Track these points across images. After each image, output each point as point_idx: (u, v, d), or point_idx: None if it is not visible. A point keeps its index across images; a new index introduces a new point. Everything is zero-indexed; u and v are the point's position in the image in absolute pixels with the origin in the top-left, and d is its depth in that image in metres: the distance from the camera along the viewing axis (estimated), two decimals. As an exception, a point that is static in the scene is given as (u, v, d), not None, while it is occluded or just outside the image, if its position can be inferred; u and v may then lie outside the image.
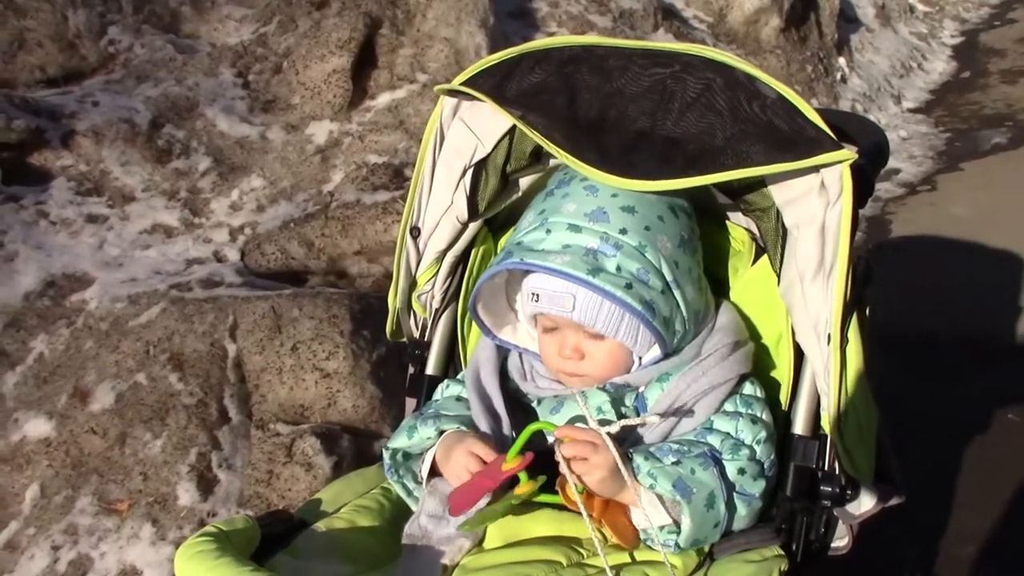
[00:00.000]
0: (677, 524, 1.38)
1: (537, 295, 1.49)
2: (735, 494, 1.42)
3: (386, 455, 1.58)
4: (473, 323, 1.75)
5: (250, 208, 3.65)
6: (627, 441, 1.47)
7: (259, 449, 2.75)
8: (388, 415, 2.87)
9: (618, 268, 1.43)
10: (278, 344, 2.88)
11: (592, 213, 1.46)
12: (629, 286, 1.42)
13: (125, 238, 3.45)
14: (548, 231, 1.47)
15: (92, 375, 2.84)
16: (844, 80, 6.22)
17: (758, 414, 1.50)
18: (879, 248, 4.54)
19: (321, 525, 1.48)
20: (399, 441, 1.56)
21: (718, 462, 1.42)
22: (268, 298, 3.02)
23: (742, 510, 1.43)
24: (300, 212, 3.60)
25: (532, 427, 1.41)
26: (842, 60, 6.35)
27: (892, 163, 5.41)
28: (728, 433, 1.46)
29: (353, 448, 2.78)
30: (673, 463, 1.40)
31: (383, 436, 2.81)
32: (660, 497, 1.38)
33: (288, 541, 1.43)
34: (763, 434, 1.48)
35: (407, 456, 1.58)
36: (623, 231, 1.45)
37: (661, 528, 1.39)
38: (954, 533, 2.75)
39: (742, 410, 1.49)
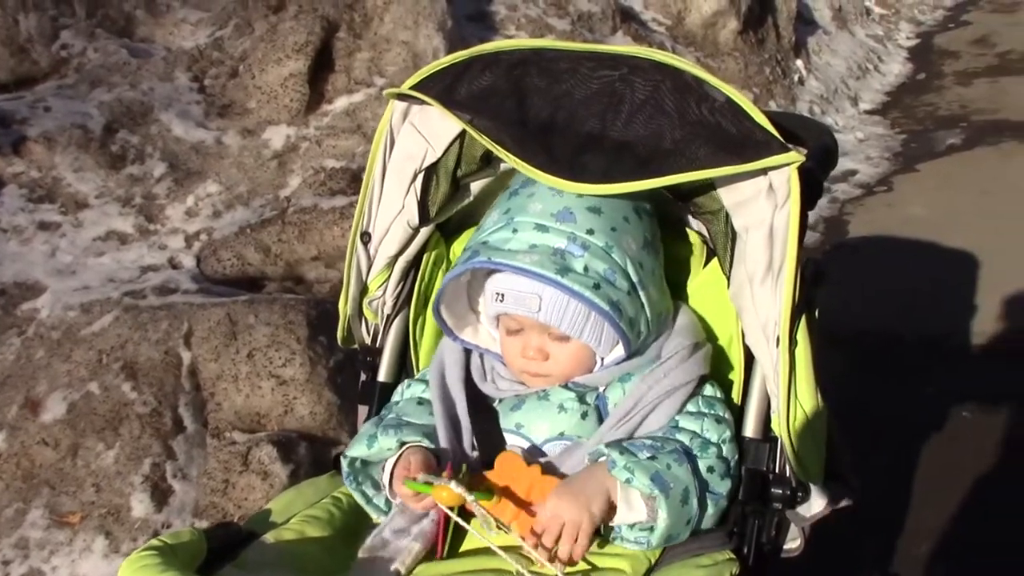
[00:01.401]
0: (651, 521, 1.37)
1: (502, 295, 1.48)
2: (706, 492, 1.42)
3: (344, 463, 1.56)
4: (425, 329, 1.74)
5: (206, 214, 3.61)
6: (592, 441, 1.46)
7: (215, 458, 2.72)
8: (346, 422, 2.85)
9: (586, 268, 1.43)
10: (233, 351, 2.85)
11: (559, 213, 1.46)
12: (597, 286, 1.43)
13: (78, 245, 3.40)
14: (514, 230, 1.47)
15: (43, 385, 2.79)
16: (802, 82, 6.28)
17: (721, 414, 1.51)
18: (837, 249, 4.58)
19: (270, 536, 1.46)
20: (358, 450, 1.54)
21: (691, 458, 1.42)
22: (224, 305, 2.98)
23: (711, 508, 1.43)
24: (257, 218, 3.57)
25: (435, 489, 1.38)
26: (799, 62, 6.41)
27: (849, 164, 5.48)
28: (695, 432, 1.47)
29: (310, 456, 2.76)
30: (649, 458, 1.39)
31: (341, 443, 2.79)
32: (636, 493, 1.37)
33: (236, 553, 1.40)
34: (727, 434, 1.49)
35: (366, 464, 1.56)
36: (590, 231, 1.45)
37: (632, 526, 1.38)
38: (911, 531, 2.77)
39: (705, 410, 1.50)
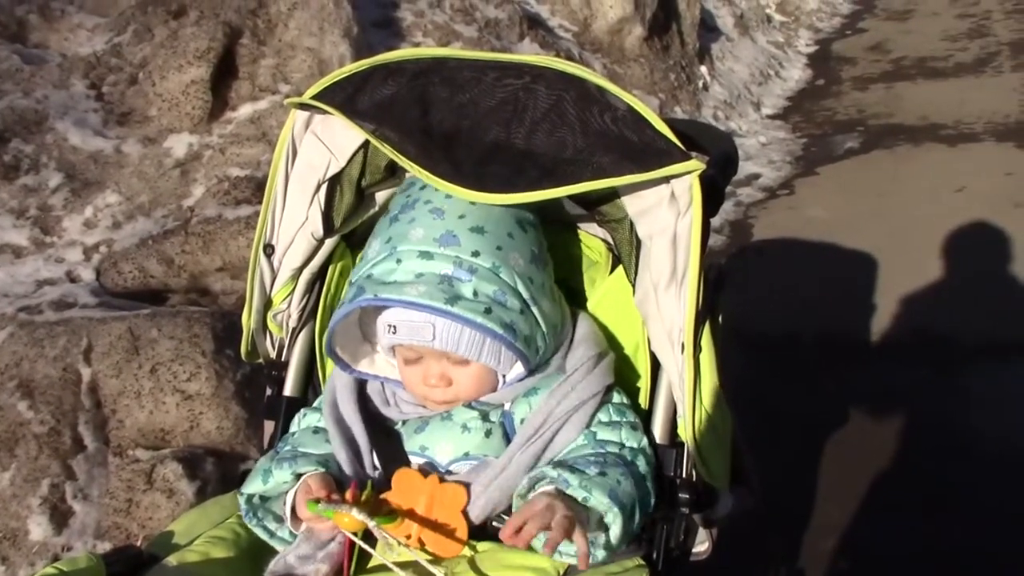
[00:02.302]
0: (599, 534, 1.36)
1: (394, 327, 1.45)
2: (645, 500, 1.42)
3: (241, 500, 1.51)
4: (331, 340, 1.71)
5: (105, 225, 3.51)
6: (520, 470, 1.43)
7: (117, 477, 2.64)
8: (254, 436, 2.79)
9: (475, 293, 1.40)
10: (136, 366, 2.77)
11: (441, 237, 1.42)
12: (488, 311, 1.40)
13: (-31, 260, 3.27)
14: (398, 260, 1.43)
15: (-67, 406, 2.68)
16: (706, 88, 6.40)
17: (633, 420, 1.51)
18: (741, 251, 4.67)
19: (173, 559, 1.41)
20: (254, 486, 1.50)
21: (631, 469, 1.42)
22: (125, 319, 2.90)
23: (641, 518, 1.43)
24: (159, 228, 3.48)
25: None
26: (704, 68, 6.53)
27: (753, 168, 5.59)
28: (617, 442, 1.46)
29: (218, 471, 2.70)
30: (599, 473, 1.38)
31: (250, 457, 2.73)
32: (590, 511, 1.36)
33: (138, 577, 1.36)
34: (644, 440, 1.49)
35: (264, 499, 1.52)
36: (475, 253, 1.42)
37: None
38: (816, 527, 2.83)
39: (618, 419, 1.50)
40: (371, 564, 1.41)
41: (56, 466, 2.59)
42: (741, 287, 4.13)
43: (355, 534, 1.36)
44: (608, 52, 5.85)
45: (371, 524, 1.33)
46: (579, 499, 1.35)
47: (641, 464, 1.45)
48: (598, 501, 1.35)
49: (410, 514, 1.41)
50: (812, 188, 5.41)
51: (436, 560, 1.35)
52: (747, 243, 4.79)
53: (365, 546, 1.36)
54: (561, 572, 1.38)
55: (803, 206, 5.18)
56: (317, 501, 1.36)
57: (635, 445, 1.47)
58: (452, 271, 1.40)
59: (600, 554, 1.36)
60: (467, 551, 1.41)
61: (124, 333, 2.82)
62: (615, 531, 1.35)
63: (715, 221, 4.89)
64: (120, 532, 2.56)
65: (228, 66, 4.02)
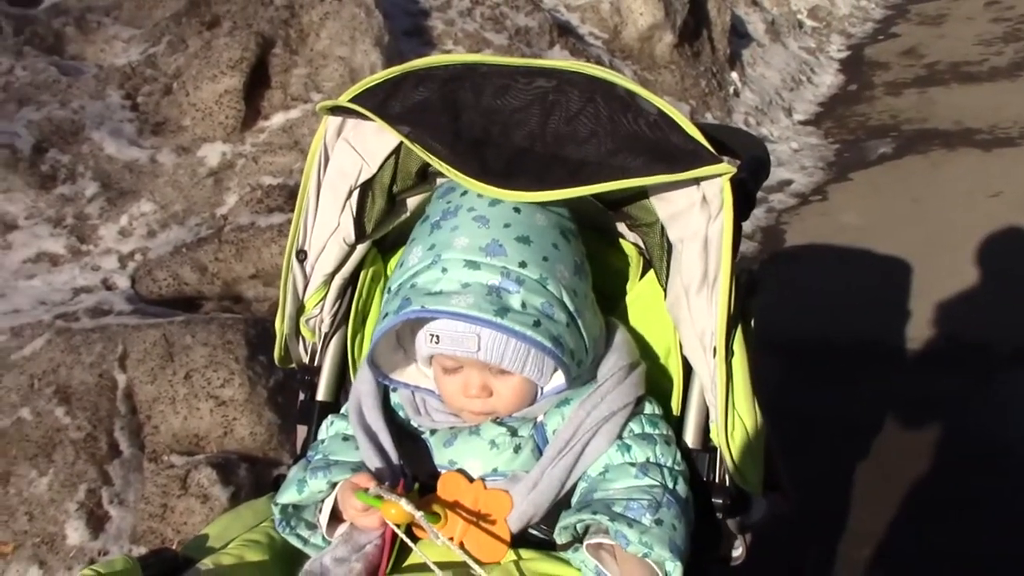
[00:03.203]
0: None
1: (437, 336, 1.42)
2: (690, 531, 1.40)
3: (276, 510, 1.52)
4: (363, 347, 1.71)
5: (140, 233, 3.55)
6: (553, 485, 1.42)
7: (152, 482, 2.66)
8: (287, 442, 2.81)
9: (523, 305, 1.39)
10: (170, 373, 2.80)
11: (488, 247, 1.41)
12: (537, 323, 1.38)
13: (7, 268, 3.33)
14: (444, 270, 1.40)
15: (-28, 412, 2.72)
16: (737, 94, 6.37)
17: (665, 432, 1.50)
18: (774, 257, 4.65)
19: (208, 562, 1.43)
20: (288, 496, 1.50)
21: (678, 500, 1.40)
22: (159, 326, 2.93)
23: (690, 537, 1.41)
24: (193, 236, 3.51)
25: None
26: (734, 75, 6.51)
27: (785, 174, 5.56)
28: (656, 464, 1.44)
29: (251, 477, 2.72)
30: (655, 521, 1.35)
31: (282, 463, 2.75)
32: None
33: (173, 581, 1.37)
34: (678, 454, 1.48)
35: (298, 508, 1.52)
36: (523, 264, 1.40)
37: None
38: (850, 535, 2.81)
39: (651, 431, 1.48)
40: (406, 564, 1.41)
41: (93, 471, 2.62)
42: (774, 293, 4.10)
43: (398, 527, 1.36)
44: (638, 59, 5.85)
45: (418, 515, 1.33)
46: (639, 555, 1.33)
47: (682, 487, 1.43)
48: (659, 556, 1.33)
49: (455, 516, 1.41)
50: (845, 194, 5.37)
51: (477, 563, 1.35)
52: (779, 249, 4.76)
53: (407, 539, 1.36)
54: None
55: (836, 212, 5.15)
56: (366, 491, 1.36)
57: (671, 464, 1.45)
58: (499, 282, 1.39)
59: None
60: (511, 555, 1.41)
61: (159, 340, 2.85)
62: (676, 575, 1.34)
63: (747, 227, 4.88)
64: (155, 537, 2.58)
65: (261, 76, 4.06)
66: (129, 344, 2.85)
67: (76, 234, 3.48)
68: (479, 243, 1.41)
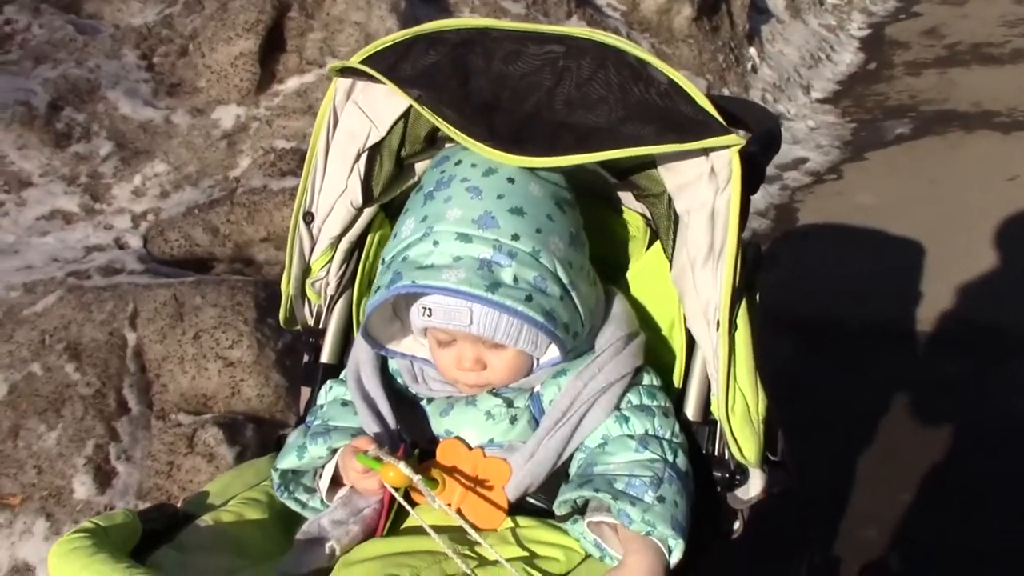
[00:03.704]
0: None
1: (430, 310, 1.42)
2: (691, 505, 1.41)
3: (275, 475, 1.53)
4: (368, 310, 1.72)
5: (153, 194, 3.56)
6: (549, 455, 1.42)
7: (160, 440, 2.69)
8: (294, 404, 2.81)
9: (515, 279, 1.37)
10: (180, 332, 2.82)
11: (480, 219, 1.39)
12: (529, 298, 1.37)
13: (21, 224, 3.34)
14: (435, 243, 1.39)
15: (-16, 366, 2.75)
16: (755, 70, 6.32)
17: (663, 403, 1.50)
18: (786, 236, 4.63)
19: (208, 518, 1.44)
20: (288, 461, 1.51)
21: (678, 473, 1.40)
22: (170, 286, 2.95)
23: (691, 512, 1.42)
24: (205, 198, 3.52)
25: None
26: (753, 50, 6.45)
27: (800, 152, 5.53)
28: (656, 436, 1.44)
29: (257, 438, 2.73)
30: (657, 498, 1.35)
31: (288, 425, 2.76)
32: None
33: (173, 535, 1.38)
34: (676, 426, 1.48)
35: (296, 472, 1.53)
36: (515, 236, 1.39)
37: None
38: (857, 517, 2.81)
39: (649, 403, 1.48)
40: (403, 526, 1.43)
41: (101, 427, 2.65)
42: (786, 272, 4.10)
43: (396, 490, 1.36)
44: (656, 32, 5.80)
45: (416, 479, 1.34)
46: (642, 533, 1.34)
47: (682, 461, 1.43)
48: (662, 533, 1.33)
49: (453, 482, 1.42)
50: (861, 173, 5.34)
51: (474, 529, 1.36)
52: (792, 228, 4.74)
53: (404, 503, 1.37)
54: (582, 556, 1.39)
55: (851, 191, 5.12)
56: (366, 453, 1.37)
57: (670, 436, 1.45)
58: (491, 255, 1.38)
59: (671, 564, 1.35)
60: (508, 523, 1.42)
61: (169, 300, 2.87)
62: (677, 555, 1.34)
63: (759, 204, 4.86)
64: (161, 494, 2.60)
65: (276, 39, 4.05)
66: (140, 303, 2.87)
67: (90, 192, 3.49)
68: (472, 215, 1.40)
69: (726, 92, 5.80)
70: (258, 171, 3.61)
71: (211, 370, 2.80)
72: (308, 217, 1.65)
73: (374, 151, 1.60)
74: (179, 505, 1.51)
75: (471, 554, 1.33)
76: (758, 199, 4.88)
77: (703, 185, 1.40)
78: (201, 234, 3.37)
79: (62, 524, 2.51)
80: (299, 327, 1.78)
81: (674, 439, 1.46)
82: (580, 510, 1.42)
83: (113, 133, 3.69)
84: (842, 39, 7.73)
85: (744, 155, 1.38)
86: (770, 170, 5.21)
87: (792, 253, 4.44)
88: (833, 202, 5.01)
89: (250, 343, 2.82)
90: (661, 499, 1.36)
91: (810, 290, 3.93)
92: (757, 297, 1.49)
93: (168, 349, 2.81)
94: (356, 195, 1.62)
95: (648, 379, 1.52)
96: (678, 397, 1.55)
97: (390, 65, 1.51)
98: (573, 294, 1.44)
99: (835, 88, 6.80)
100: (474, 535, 1.33)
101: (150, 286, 2.96)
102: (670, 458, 1.42)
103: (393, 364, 1.60)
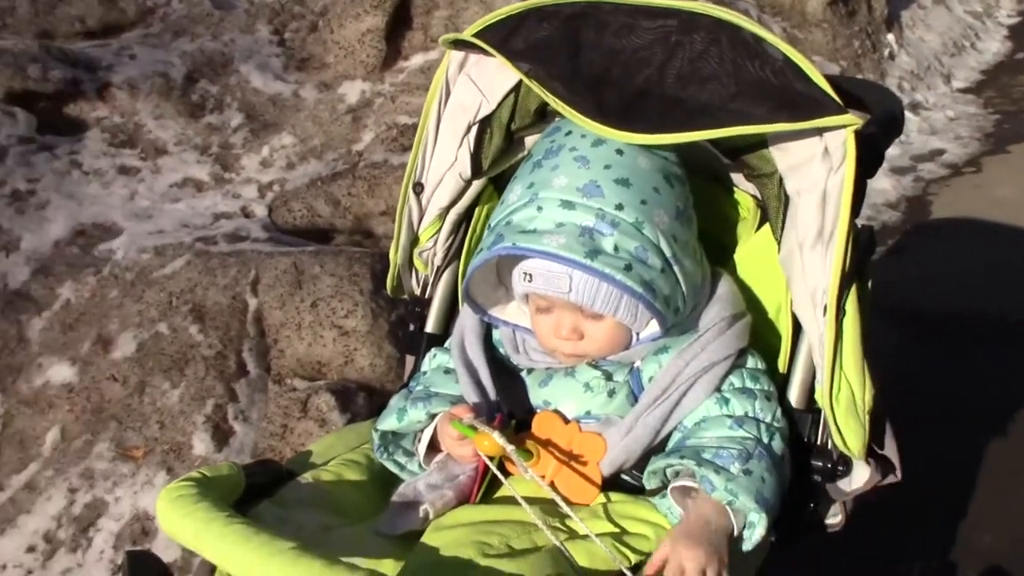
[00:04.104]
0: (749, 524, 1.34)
1: (531, 275, 1.43)
2: (782, 488, 1.39)
3: (375, 436, 1.56)
4: (474, 282, 1.74)
5: (280, 165, 3.67)
6: (647, 432, 1.42)
7: (275, 403, 2.77)
8: (404, 375, 2.88)
9: (616, 248, 1.37)
10: (298, 300, 2.90)
11: (585, 187, 1.39)
12: (628, 267, 1.37)
13: (155, 190, 3.49)
14: (539, 208, 1.40)
15: (115, 323, 2.88)
16: (892, 57, 6.08)
17: (766, 388, 1.47)
18: (917, 228, 4.46)
19: (308, 476, 1.48)
20: (388, 423, 1.54)
21: (771, 455, 1.38)
22: (291, 254, 3.04)
23: (781, 503, 1.40)
24: (328, 170, 3.61)
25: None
26: (891, 36, 6.21)
27: (937, 143, 5.31)
28: (754, 418, 1.42)
29: (368, 406, 2.79)
30: (744, 471, 1.34)
31: (398, 396, 2.82)
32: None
33: (275, 490, 1.43)
34: (778, 409, 1.45)
35: (396, 435, 1.56)
36: (619, 207, 1.38)
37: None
38: (973, 519, 2.70)
39: (751, 386, 1.46)
40: (496, 495, 1.44)
41: (220, 388, 2.75)
42: (915, 266, 3.95)
43: (491, 459, 1.38)
44: (788, 16, 5.65)
45: (510, 449, 1.35)
46: (724, 502, 1.32)
47: (778, 444, 1.41)
48: (744, 505, 1.32)
49: (547, 455, 1.43)
50: (1002, 167, 5.08)
51: (567, 503, 1.37)
52: (924, 220, 4.56)
53: (498, 473, 1.38)
54: None
55: (990, 185, 4.88)
56: (462, 421, 1.39)
57: (770, 420, 1.43)
58: (594, 223, 1.37)
59: (750, 543, 1.34)
60: (601, 498, 1.42)
61: (289, 268, 2.95)
62: (760, 531, 1.32)
63: (891, 195, 4.67)
64: (274, 454, 2.68)
65: (403, 16, 4.11)
66: (262, 270, 2.96)
67: (220, 162, 3.62)
68: (577, 183, 1.40)
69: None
70: (380, 146, 3.68)
71: (326, 338, 2.87)
72: (418, 188, 1.68)
73: (484, 124, 1.62)
74: (283, 463, 1.56)
75: (562, 527, 1.33)
76: (889, 191, 4.71)
77: (815, 166, 1.36)
78: (323, 205, 3.46)
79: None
80: (406, 296, 1.81)
81: (774, 423, 1.43)
82: (668, 484, 1.41)
83: (244, 105, 3.81)
84: (988, 26, 7.37)
85: (861, 136, 1.34)
86: (904, 161, 5.06)
87: (922, 247, 4.27)
88: (970, 195, 4.79)
89: (364, 313, 2.88)
90: (748, 472, 1.34)
91: (939, 285, 3.77)
92: (869, 284, 1.44)
93: (287, 315, 2.89)
94: (465, 167, 1.64)
95: (752, 362, 1.49)
96: (782, 383, 1.52)
97: (502, 38, 1.51)
98: (676, 268, 1.42)
99: (978, 78, 6.49)
100: (566, 508, 1.34)
101: (272, 254, 3.06)
102: (765, 439, 1.40)
103: (496, 334, 1.62)
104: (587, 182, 1.40)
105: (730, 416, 1.42)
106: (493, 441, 1.35)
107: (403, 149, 3.63)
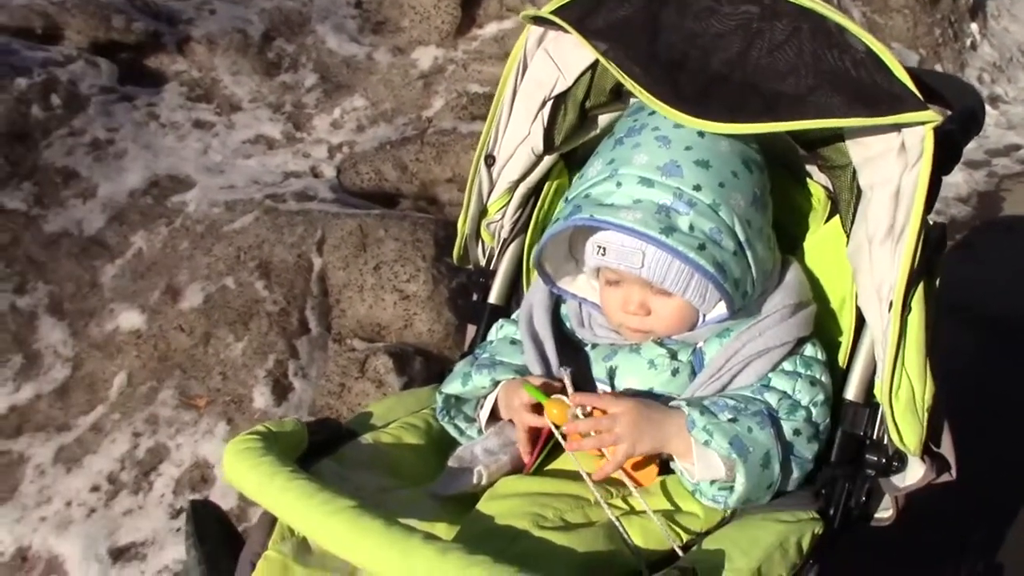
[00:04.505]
0: (730, 481, 1.36)
1: (604, 248, 1.44)
2: (791, 456, 1.40)
3: (439, 398, 1.60)
4: (538, 256, 1.75)
5: (350, 127, 3.71)
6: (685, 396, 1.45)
7: (334, 362, 2.82)
8: (462, 342, 2.90)
9: (691, 227, 1.38)
10: (362, 262, 2.94)
11: (665, 166, 1.40)
12: (702, 247, 1.38)
13: (228, 146, 3.55)
14: (619, 184, 1.41)
15: (185, 274, 2.95)
16: (974, 47, 5.94)
17: (817, 376, 1.47)
18: (988, 225, 4.37)
19: (368, 437, 1.52)
20: (453, 387, 1.57)
21: (775, 422, 1.40)
22: (357, 216, 3.08)
23: (795, 472, 1.41)
24: (398, 135, 3.64)
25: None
26: (974, 26, 6.06)
27: (1014, 138, 5.18)
28: (786, 392, 1.44)
29: (424, 371, 2.83)
30: (730, 420, 1.37)
31: (454, 361, 2.84)
32: (714, 454, 1.36)
33: (335, 449, 1.47)
34: (820, 397, 1.45)
35: (459, 399, 1.59)
36: (697, 187, 1.40)
37: (712, 483, 1.38)
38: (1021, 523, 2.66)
39: (801, 371, 1.46)
40: (548, 468, 1.46)
41: (282, 344, 2.81)
42: (982, 263, 3.88)
43: (556, 427, 1.40)
44: (869, 1, 5.53)
45: (579, 413, 1.37)
46: (700, 441, 1.35)
47: (797, 419, 1.41)
48: (718, 446, 1.34)
49: None
50: (1081, 165, 4.96)
51: (630, 480, 1.39)
52: (995, 217, 4.47)
53: (561, 439, 1.40)
54: (727, 513, 1.39)
55: (1066, 183, 4.77)
56: (535, 386, 1.41)
57: (803, 400, 1.43)
58: (671, 202, 1.39)
59: (731, 500, 1.36)
60: (659, 479, 1.44)
61: (355, 230, 3.00)
62: (740, 479, 1.34)
63: (962, 190, 4.58)
64: (331, 412, 2.74)
65: (480, -16, 4.12)
66: (328, 230, 3.01)
67: (292, 121, 3.67)
68: (657, 162, 1.41)
69: (939, 69, 5.49)
70: (450, 113, 3.69)
71: (387, 301, 2.92)
72: (489, 160, 1.69)
73: (559, 100, 1.62)
74: (343, 422, 1.59)
75: (617, 504, 1.35)
76: (960, 185, 4.62)
77: (891, 160, 1.35)
78: (390, 169, 3.49)
79: (240, 430, 2.66)
80: (471, 266, 1.83)
81: (809, 406, 1.44)
82: None
83: (318, 66, 3.85)
84: (1079, 19, 7.15)
85: (940, 133, 1.32)
86: (978, 155, 4.95)
87: (992, 243, 4.19)
88: (1046, 194, 4.69)
89: (426, 279, 2.92)
90: (733, 420, 1.36)
91: (1007, 284, 3.70)
92: (937, 282, 1.43)
93: (350, 276, 2.94)
94: (538, 142, 1.65)
95: (812, 351, 1.50)
96: (842, 376, 1.51)
97: (582, 16, 1.51)
98: (748, 252, 1.42)
99: (1064, 72, 6.31)
100: (629, 484, 1.36)
101: (338, 215, 3.10)
102: (782, 413, 1.41)
103: (564, 309, 1.64)
104: (667, 161, 1.41)
105: (764, 386, 1.44)
106: (562, 409, 1.37)
107: (472, 117, 3.65)
